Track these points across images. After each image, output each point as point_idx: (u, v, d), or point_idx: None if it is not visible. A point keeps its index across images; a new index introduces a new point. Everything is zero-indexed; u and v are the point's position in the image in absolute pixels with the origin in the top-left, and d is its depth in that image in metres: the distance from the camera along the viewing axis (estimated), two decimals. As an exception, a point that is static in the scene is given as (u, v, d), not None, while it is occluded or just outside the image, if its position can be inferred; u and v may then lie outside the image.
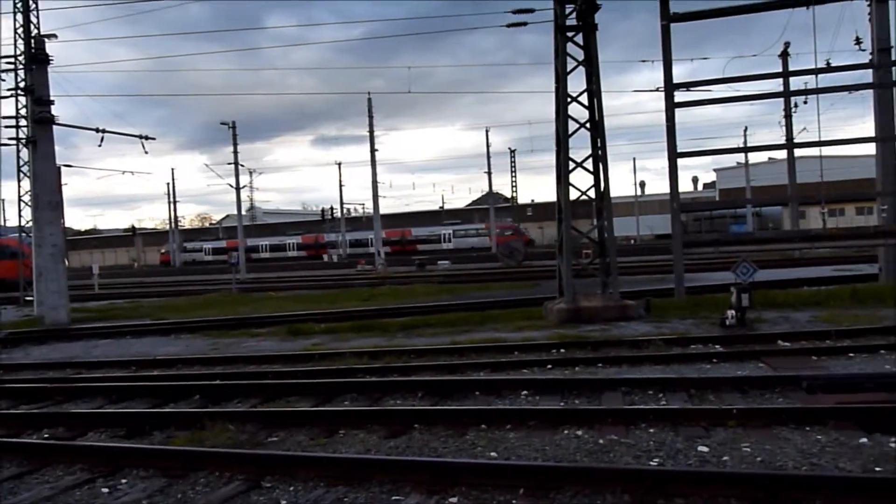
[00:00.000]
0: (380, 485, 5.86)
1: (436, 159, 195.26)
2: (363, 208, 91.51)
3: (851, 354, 10.47)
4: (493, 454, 6.60)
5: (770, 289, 17.99)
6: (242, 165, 53.00)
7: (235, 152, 51.58)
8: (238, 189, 52.34)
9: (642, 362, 10.62)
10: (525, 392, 9.00)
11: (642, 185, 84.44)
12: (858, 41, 19.94)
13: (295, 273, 50.75)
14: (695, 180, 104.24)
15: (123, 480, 6.46)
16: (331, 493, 5.76)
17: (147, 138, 26.37)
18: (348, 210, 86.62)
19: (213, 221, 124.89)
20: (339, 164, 78.80)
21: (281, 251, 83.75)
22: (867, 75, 19.27)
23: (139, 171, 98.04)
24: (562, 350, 12.08)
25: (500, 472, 5.78)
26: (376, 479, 5.93)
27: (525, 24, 17.23)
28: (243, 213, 59.55)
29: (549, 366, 10.79)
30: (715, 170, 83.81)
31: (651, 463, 6.11)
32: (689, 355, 10.89)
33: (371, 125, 48.96)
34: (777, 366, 9.84)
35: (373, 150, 49.27)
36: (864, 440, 6.36)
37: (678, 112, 18.04)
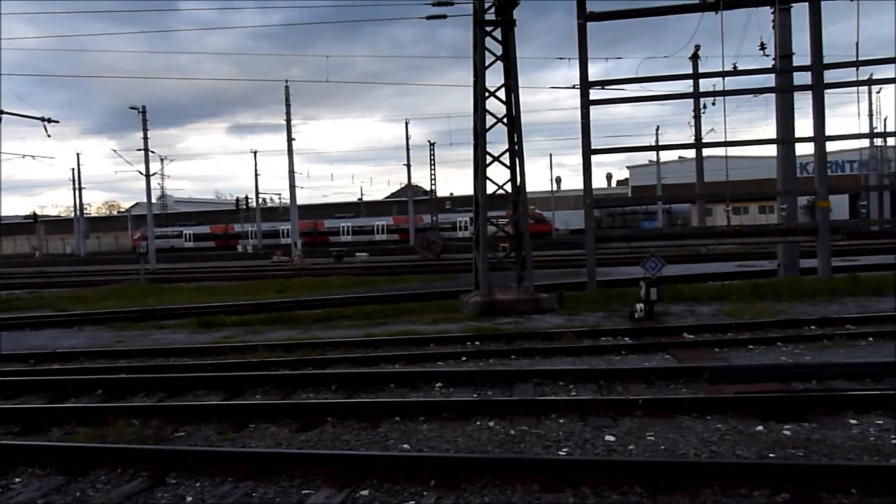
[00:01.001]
0: (290, 479, 5.76)
1: (355, 150, 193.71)
2: (279, 198, 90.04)
3: (751, 346, 10.94)
4: (405, 446, 6.60)
5: (678, 283, 18.64)
6: (153, 152, 51.14)
7: (145, 138, 49.75)
8: (148, 176, 50.51)
9: (554, 354, 10.82)
10: (439, 384, 9.04)
11: (558, 180, 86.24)
12: (763, 47, 20.82)
13: (208, 264, 49.44)
14: (609, 177, 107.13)
15: (17, 479, 6.14)
16: (239, 489, 5.63)
17: (50, 121, 25.13)
18: (264, 200, 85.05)
19: (122, 209, 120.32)
20: (255, 153, 76.72)
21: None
22: (771, 79, 20.16)
23: (41, 155, 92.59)
24: (476, 342, 12.18)
25: (411, 463, 5.77)
26: (286, 473, 5.83)
27: (444, 16, 17.24)
28: (154, 201, 57.53)
29: (464, 358, 10.87)
30: (628, 167, 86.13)
31: (560, 452, 6.23)
32: (600, 347, 11.16)
33: (288, 114, 48.06)
34: (682, 357, 10.19)
35: (290, 140, 48.40)
36: (761, 428, 6.65)
37: (594, 110, 18.43)
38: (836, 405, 7.09)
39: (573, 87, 19.41)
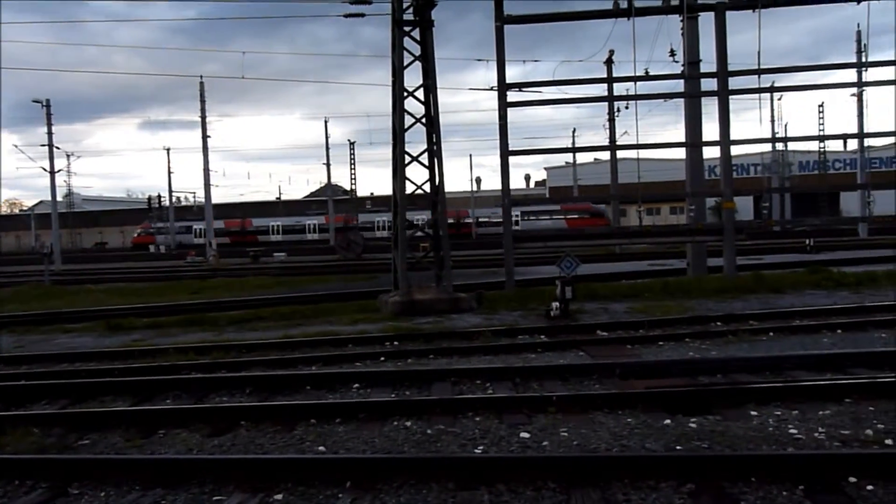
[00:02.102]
0: (200, 485, 5.62)
1: (273, 148, 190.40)
2: (194, 197, 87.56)
3: (661, 343, 11.30)
4: (321, 448, 6.53)
5: (593, 282, 19.08)
6: (58, 147, 48.98)
7: (50, 133, 47.56)
8: (53, 173, 48.35)
9: (472, 353, 10.91)
10: (357, 385, 8.98)
11: (478, 180, 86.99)
12: (673, 53, 21.54)
13: (118, 265, 47.67)
14: (527, 178, 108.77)
15: None
16: (147, 497, 5.45)
17: (-57, 114, 23.64)
18: (178, 198, 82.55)
19: (25, 208, 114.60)
20: (168, 150, 74.45)
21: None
22: (681, 85, 20.87)
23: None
24: (395, 342, 12.16)
25: (326, 466, 5.72)
26: (197, 479, 5.69)
27: (363, 15, 17.14)
28: (60, 199, 55.08)
29: (382, 358, 10.84)
30: (546, 168, 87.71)
31: (476, 450, 6.28)
32: (517, 346, 11.32)
33: (203, 110, 46.89)
34: (595, 354, 10.44)
35: (205, 137, 47.23)
36: (668, 421, 6.88)
37: (512, 111, 18.72)
38: (738, 398, 7.39)
39: (491, 88, 19.61)
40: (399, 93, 16.14)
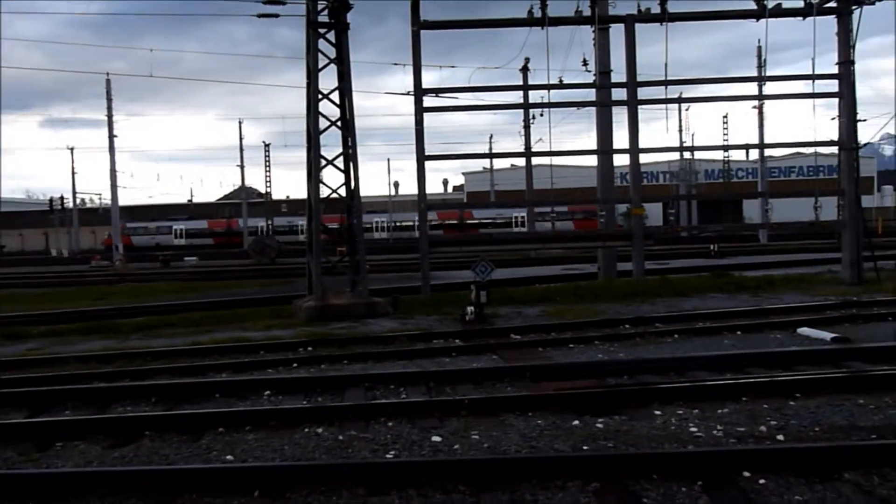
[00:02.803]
0: (100, 499, 5.40)
1: (184, 149, 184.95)
2: (100, 198, 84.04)
3: (572, 345, 11.56)
4: (229, 457, 6.38)
5: (507, 286, 19.37)
6: (-50, 146, 46.23)
7: (-59, 130, 44.84)
8: (-56, 173, 45.55)
9: (386, 358, 10.89)
10: (268, 392, 8.82)
11: (396, 185, 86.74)
12: (585, 63, 22.07)
13: (16, 269, 45.31)
14: (445, 183, 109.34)
15: None
16: (40, 514, 5.20)
17: None
18: (83, 200, 79.08)
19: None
20: (72, 150, 71.30)
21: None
22: (593, 94, 21.39)
23: None
24: (309, 348, 12.02)
25: (233, 475, 5.59)
26: (96, 493, 5.46)
27: (277, 15, 16.89)
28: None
29: (295, 364, 10.69)
30: (463, 173, 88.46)
31: (388, 455, 6.27)
32: (431, 350, 11.37)
33: (110, 108, 45.20)
34: (508, 357, 10.59)
35: (111, 136, 45.51)
36: (577, 422, 7.03)
37: (429, 116, 18.78)
38: (643, 398, 7.63)
39: (408, 93, 19.63)
40: (314, 95, 15.97)
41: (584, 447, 6.28)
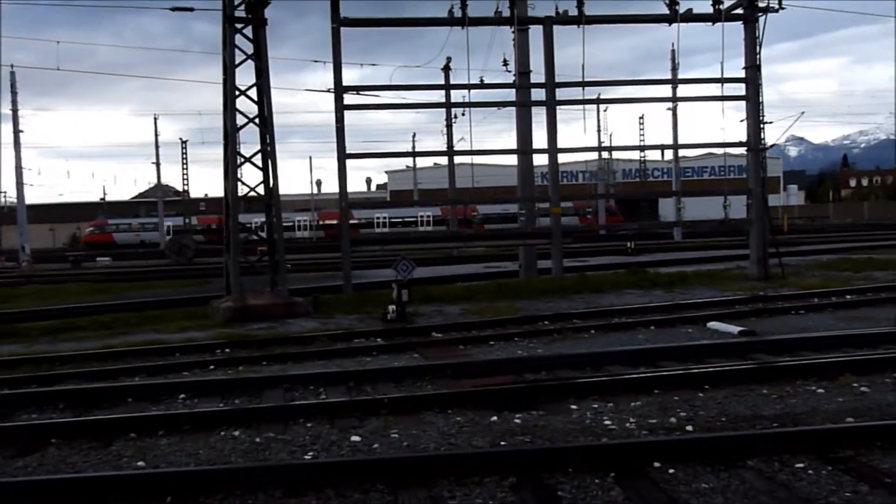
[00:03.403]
0: (-1, 512, 5.15)
1: (97, 146, 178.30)
2: (5, 197, 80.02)
3: (492, 343, 11.70)
4: (140, 463, 6.19)
5: (429, 284, 19.41)
6: None
7: None
8: None
9: (306, 358, 10.77)
10: (183, 395, 8.59)
11: (318, 183, 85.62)
12: (506, 63, 22.33)
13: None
14: (368, 181, 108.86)
15: None
16: (-67, 529, 4.92)
17: None
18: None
19: None
20: (-26, 146, 67.65)
21: None
22: (513, 94, 21.67)
23: None
24: (226, 350, 11.76)
25: (144, 481, 5.43)
26: (-5, 505, 5.21)
27: (191, 9, 16.47)
28: None
29: (212, 367, 10.45)
30: (387, 172, 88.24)
31: (306, 456, 6.21)
32: (352, 349, 11.31)
33: (15, 103, 43.04)
34: (429, 356, 10.63)
35: (17, 131, 43.38)
36: (495, 418, 7.12)
37: (351, 114, 18.68)
38: (560, 393, 7.79)
39: (328, 90, 19.46)
40: (231, 91, 15.63)
41: (502, 443, 6.36)
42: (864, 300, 15.17)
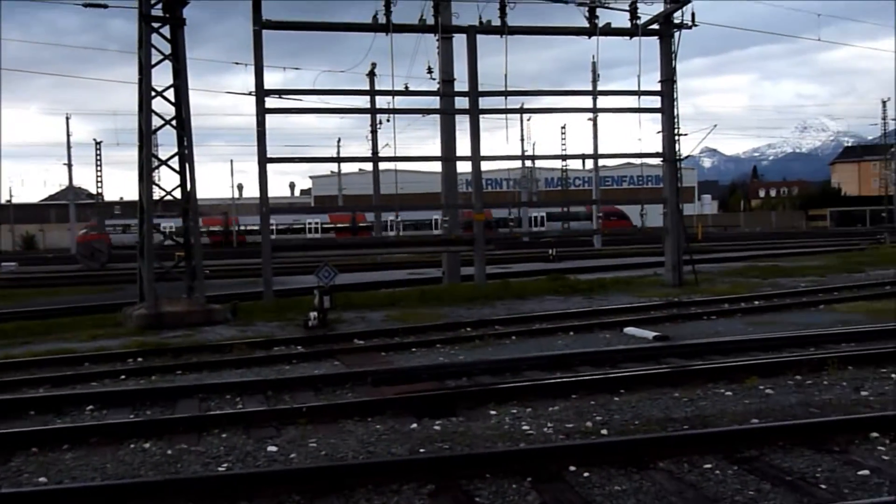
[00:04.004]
0: None
1: (3, 145, 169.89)
2: None
3: (414, 349, 11.69)
4: (42, 479, 5.90)
5: (352, 291, 19.25)
6: None
7: None
8: None
9: (223, 367, 10.52)
10: (91, 407, 8.25)
11: (240, 187, 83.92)
12: (430, 70, 22.40)
13: None
14: (292, 186, 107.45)
15: None
16: None
17: None
18: None
19: None
20: None
21: None
22: (437, 101, 21.73)
23: None
24: (139, 359, 11.36)
25: (44, 499, 5.18)
26: None
27: (105, 6, 15.90)
28: None
29: (123, 376, 10.08)
30: (311, 177, 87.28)
31: (220, 468, 6.05)
32: (272, 357, 11.12)
33: (-88, 99, 40.65)
34: (350, 363, 10.54)
35: (-86, 130, 40.98)
36: (415, 425, 7.11)
37: (275, 118, 18.43)
38: (480, 399, 7.84)
39: (249, 93, 19.09)
40: (147, 92, 15.16)
41: (421, 450, 6.35)
42: (771, 306, 15.86)
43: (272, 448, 6.49)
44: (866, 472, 5.46)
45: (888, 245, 38.31)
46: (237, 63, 23.39)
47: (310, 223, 61.29)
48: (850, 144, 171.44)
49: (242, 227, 62.41)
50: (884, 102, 71.25)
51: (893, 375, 8.60)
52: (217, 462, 6.20)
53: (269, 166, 18.45)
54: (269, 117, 18.59)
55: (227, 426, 7.11)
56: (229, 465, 6.11)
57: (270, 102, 18.71)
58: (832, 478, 5.39)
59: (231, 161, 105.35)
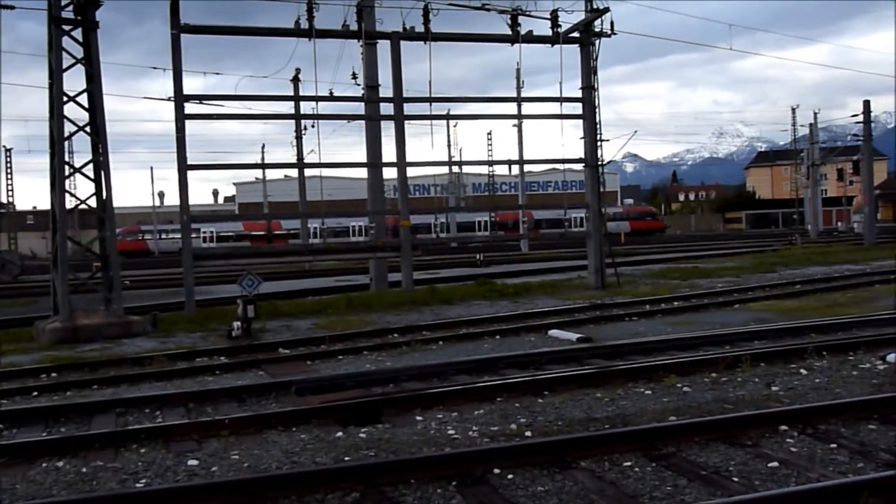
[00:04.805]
0: None
1: None
2: None
3: (341, 357, 11.61)
4: (-56, 505, 5.61)
5: (278, 299, 18.99)
6: None
7: None
8: None
9: (143, 380, 10.23)
10: (0, 426, 7.89)
11: (161, 195, 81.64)
12: (355, 76, 22.30)
13: None
14: (215, 193, 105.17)
15: None
16: None
17: None
18: None
19: None
20: None
21: None
22: (363, 107, 21.64)
23: None
24: (53, 374, 10.94)
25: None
26: None
27: (12, 7, 15.24)
28: None
29: (35, 393, 9.70)
30: (235, 184, 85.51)
31: (137, 485, 5.87)
32: (194, 369, 10.87)
33: None
34: (275, 372, 10.38)
35: None
36: (340, 434, 7.06)
37: (196, 124, 18.05)
38: (406, 405, 7.84)
39: (168, 99, 18.62)
40: (58, 97, 14.59)
41: (346, 458, 6.31)
42: (689, 306, 16.38)
43: (193, 462, 6.34)
44: (776, 464, 5.70)
45: (799, 246, 40.14)
46: (155, 68, 22.71)
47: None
48: (763, 150, 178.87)
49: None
50: (793, 109, 74.37)
51: (802, 371, 9.01)
52: (134, 478, 6.02)
53: (192, 173, 18.09)
54: (190, 123, 18.23)
55: (145, 441, 6.92)
56: (147, 481, 5.93)
57: (190, 108, 18.35)
58: (744, 471, 5.61)
59: (151, 168, 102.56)
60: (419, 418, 7.48)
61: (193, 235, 18.60)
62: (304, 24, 18.57)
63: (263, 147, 60.57)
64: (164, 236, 62.79)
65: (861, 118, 39.97)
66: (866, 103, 39.83)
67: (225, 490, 5.35)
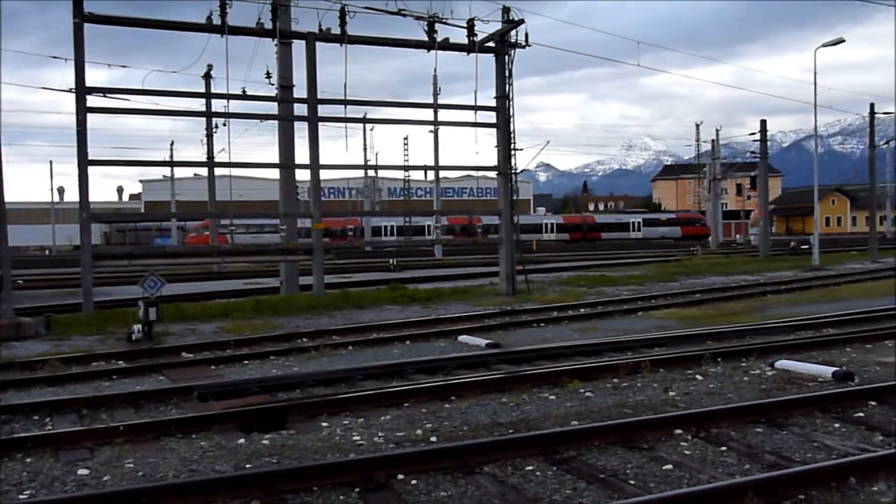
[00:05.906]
0: None
1: None
2: None
3: (247, 361, 11.33)
4: None
5: (182, 301, 18.41)
6: None
7: None
8: None
9: (32, 385, 9.71)
10: None
11: (61, 190, 77.89)
12: (269, 75, 21.88)
13: None
14: (120, 190, 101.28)
15: None
16: None
17: None
18: None
19: None
20: None
21: None
22: (276, 107, 21.26)
23: None
24: (-69, 379, 10.24)
25: None
26: None
27: None
28: None
29: (-90, 399, 9.04)
30: (141, 181, 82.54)
31: (21, 496, 5.57)
32: (89, 374, 10.42)
33: None
34: (176, 377, 10.05)
35: None
36: (243, 440, 6.89)
37: (101, 118, 17.31)
38: (312, 411, 7.73)
39: (70, 90, 17.83)
40: (-54, 84, 13.75)
41: (247, 465, 6.17)
42: (595, 313, 16.80)
43: (83, 471, 6.06)
44: (670, 466, 5.91)
45: (700, 257, 41.84)
46: (56, 57, 21.69)
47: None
48: (669, 163, 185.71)
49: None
50: (697, 126, 77.48)
51: (698, 376, 9.37)
52: (18, 489, 5.71)
53: (95, 169, 17.41)
54: (93, 117, 17.52)
55: (32, 450, 6.58)
56: (32, 493, 5.63)
57: (93, 101, 17.62)
58: (640, 473, 5.78)
59: (51, 162, 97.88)
60: (325, 424, 7.39)
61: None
62: (217, 20, 18.11)
63: (172, 144, 58.37)
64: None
65: (758, 136, 41.95)
66: (763, 122, 41.86)
67: (115, 500, 5.15)
